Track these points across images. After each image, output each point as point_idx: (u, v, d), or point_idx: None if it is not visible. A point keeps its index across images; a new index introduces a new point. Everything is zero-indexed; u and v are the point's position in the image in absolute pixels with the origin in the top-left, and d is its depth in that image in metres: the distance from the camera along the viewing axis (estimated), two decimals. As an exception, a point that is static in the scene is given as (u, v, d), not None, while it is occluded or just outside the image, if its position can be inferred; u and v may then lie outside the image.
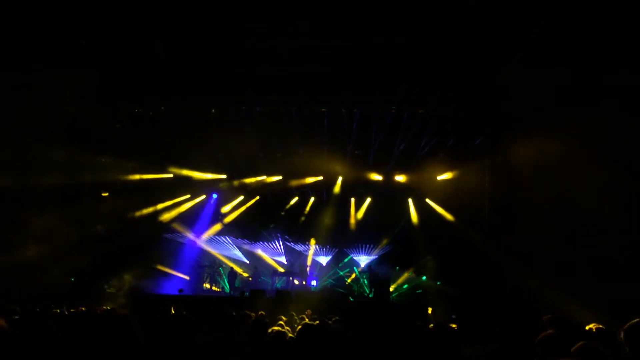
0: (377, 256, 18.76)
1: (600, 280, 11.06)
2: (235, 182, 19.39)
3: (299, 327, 5.28)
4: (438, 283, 17.18)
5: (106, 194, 17.73)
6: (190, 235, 19.00)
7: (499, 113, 14.40)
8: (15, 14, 10.55)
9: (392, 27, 11.18)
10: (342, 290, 17.46)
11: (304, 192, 19.63)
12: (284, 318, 8.18)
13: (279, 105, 15.76)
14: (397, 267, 18.05)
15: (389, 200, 18.83)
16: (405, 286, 17.98)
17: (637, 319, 3.97)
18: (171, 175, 18.75)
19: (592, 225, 11.52)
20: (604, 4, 9.83)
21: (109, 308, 8.43)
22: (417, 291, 17.62)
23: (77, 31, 11.41)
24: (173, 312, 8.91)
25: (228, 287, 18.20)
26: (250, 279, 18.56)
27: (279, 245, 19.45)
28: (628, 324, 3.97)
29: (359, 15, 10.49)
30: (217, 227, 19.48)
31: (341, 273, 18.75)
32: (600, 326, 6.06)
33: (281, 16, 10.49)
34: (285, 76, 13.69)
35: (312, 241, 19.08)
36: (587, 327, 6.15)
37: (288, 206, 19.73)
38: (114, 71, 13.56)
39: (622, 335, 4.00)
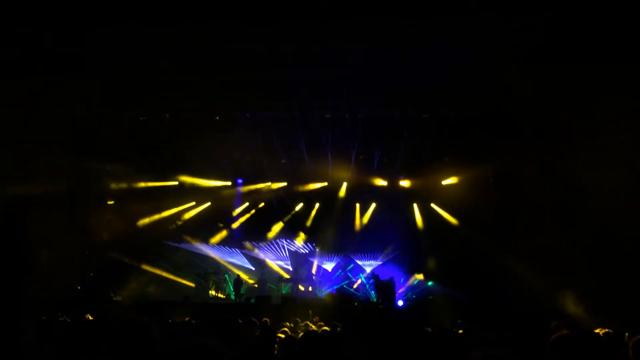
0: (382, 261, 18.72)
1: (606, 283, 11.02)
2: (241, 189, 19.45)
3: (302, 333, 5.29)
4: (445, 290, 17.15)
5: (112, 202, 17.81)
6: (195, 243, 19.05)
7: (503, 116, 14.39)
8: (19, 21, 10.63)
9: (393, 28, 11.21)
10: (349, 295, 17.41)
11: (309, 198, 19.63)
12: (288, 324, 8.16)
13: (282, 111, 15.81)
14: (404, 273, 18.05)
15: (393, 205, 18.82)
16: (414, 291, 17.95)
17: None
18: (176, 183, 18.81)
19: (598, 228, 11.49)
20: (609, 2, 9.82)
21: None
22: (429, 297, 17.55)
23: (80, 37, 11.49)
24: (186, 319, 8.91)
25: (234, 294, 18.20)
26: (256, 285, 18.56)
27: (284, 251, 19.47)
28: (637, 338, 3.96)
29: (359, 15, 10.50)
30: (223, 233, 19.51)
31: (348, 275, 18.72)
32: (608, 330, 6.04)
33: (282, 17, 10.53)
34: (288, 81, 13.73)
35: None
36: (595, 331, 6.13)
37: (293, 212, 19.73)
38: (119, 78, 13.62)
39: (630, 346, 3.99)
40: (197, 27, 11.34)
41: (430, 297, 17.16)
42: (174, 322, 7.36)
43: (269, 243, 19.44)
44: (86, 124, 15.14)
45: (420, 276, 18.01)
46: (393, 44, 11.84)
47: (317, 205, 19.57)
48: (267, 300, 15.22)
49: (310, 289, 18.11)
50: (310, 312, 11.26)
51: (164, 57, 12.59)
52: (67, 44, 11.73)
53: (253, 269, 19.39)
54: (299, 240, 19.34)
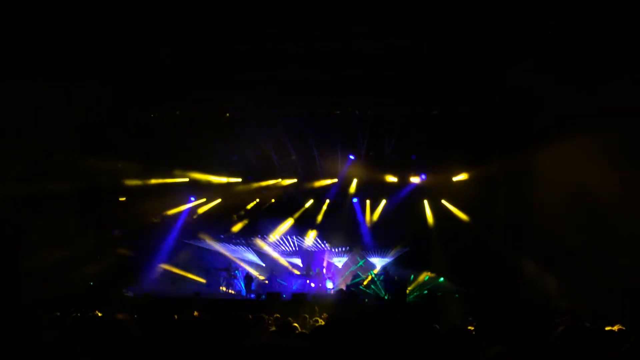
0: (393, 258, 18.69)
1: (617, 282, 10.92)
2: (252, 185, 19.50)
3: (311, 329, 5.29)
4: (456, 295, 17.05)
5: (123, 199, 17.93)
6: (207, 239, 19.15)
7: (513, 113, 14.29)
8: (28, 24, 10.72)
9: (398, 28, 11.20)
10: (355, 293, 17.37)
11: (319, 194, 19.63)
12: (290, 319, 8.11)
13: (292, 108, 15.82)
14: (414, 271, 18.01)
15: (404, 201, 18.77)
16: (424, 288, 17.89)
17: None
18: (187, 179, 18.89)
19: (610, 227, 11.38)
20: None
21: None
22: (438, 293, 17.49)
23: (88, 38, 11.58)
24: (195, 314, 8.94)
25: (244, 290, 18.27)
26: (266, 282, 18.62)
27: (294, 247, 19.51)
28: None
29: (366, 17, 10.49)
30: (234, 228, 19.58)
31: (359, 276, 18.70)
32: (622, 327, 6.01)
33: (289, 20, 10.55)
34: (298, 79, 13.72)
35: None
36: (607, 328, 6.10)
37: (303, 209, 19.75)
38: (129, 77, 13.69)
39: None
40: (205, 28, 11.39)
41: (439, 293, 17.09)
42: (180, 318, 7.37)
43: (279, 239, 19.48)
44: (98, 123, 15.26)
45: (430, 273, 17.95)
46: (400, 44, 11.81)
47: (327, 201, 19.57)
48: (277, 297, 15.26)
49: (320, 285, 18.15)
50: (316, 308, 11.23)
51: (174, 56, 12.64)
52: (74, 44, 11.82)
53: (263, 265, 19.45)
54: (309, 237, 19.35)
